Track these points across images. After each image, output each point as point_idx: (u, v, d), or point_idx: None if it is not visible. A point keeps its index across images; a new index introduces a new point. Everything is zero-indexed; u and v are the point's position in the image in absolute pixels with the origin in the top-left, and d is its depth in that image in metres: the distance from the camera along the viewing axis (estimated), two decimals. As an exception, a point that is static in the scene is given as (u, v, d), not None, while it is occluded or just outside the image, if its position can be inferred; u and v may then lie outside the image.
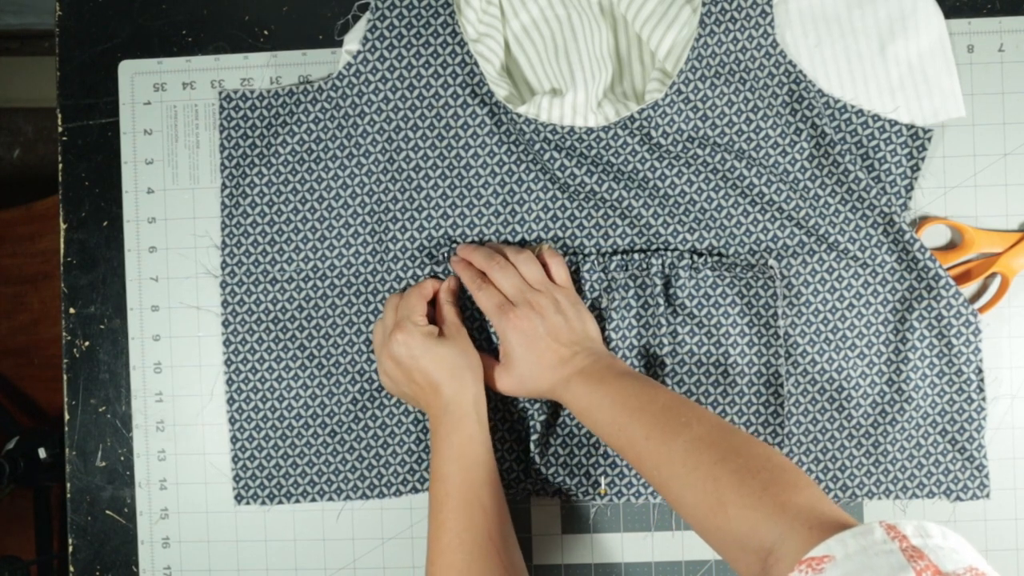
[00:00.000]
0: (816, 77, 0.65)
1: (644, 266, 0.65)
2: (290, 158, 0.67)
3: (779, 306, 0.64)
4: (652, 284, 0.64)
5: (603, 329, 0.64)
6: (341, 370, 0.67)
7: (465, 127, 0.66)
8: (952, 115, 0.65)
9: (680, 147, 0.64)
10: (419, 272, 0.66)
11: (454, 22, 0.64)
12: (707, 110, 0.64)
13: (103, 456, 0.69)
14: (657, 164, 0.65)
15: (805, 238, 0.65)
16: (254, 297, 0.67)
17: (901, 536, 0.39)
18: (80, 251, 0.70)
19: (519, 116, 0.64)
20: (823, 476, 0.65)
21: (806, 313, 0.65)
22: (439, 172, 0.66)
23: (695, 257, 0.65)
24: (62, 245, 0.70)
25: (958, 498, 0.65)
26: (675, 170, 0.65)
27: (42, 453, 1.13)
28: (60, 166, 0.70)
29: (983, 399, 0.64)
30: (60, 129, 0.70)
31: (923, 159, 0.64)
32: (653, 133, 0.64)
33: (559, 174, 0.65)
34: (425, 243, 0.67)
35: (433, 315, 0.64)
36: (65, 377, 0.70)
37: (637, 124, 0.64)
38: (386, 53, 0.65)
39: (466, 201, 0.66)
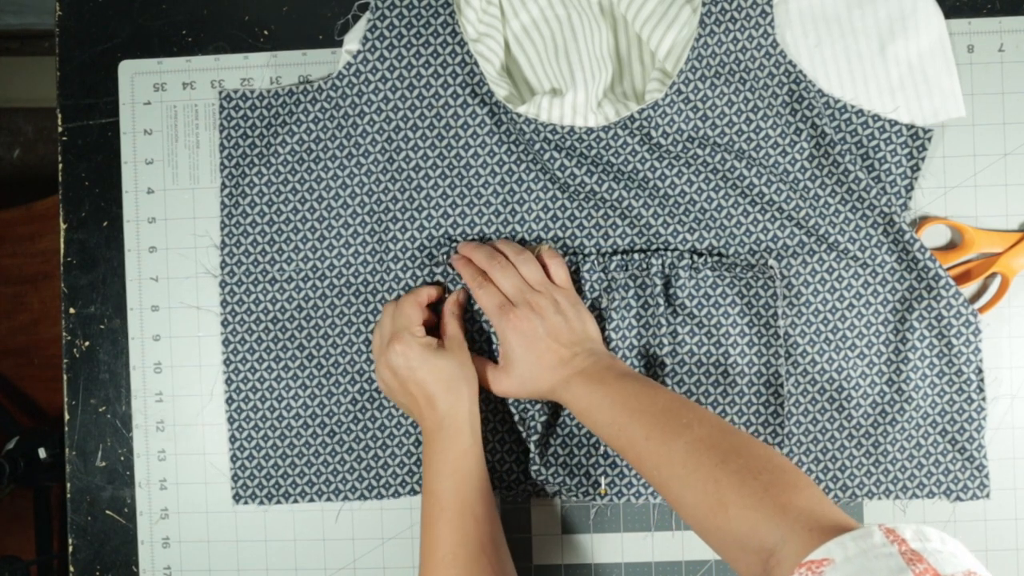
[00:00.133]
0: (816, 77, 0.65)
1: (644, 266, 0.65)
2: (290, 158, 0.67)
3: (779, 306, 0.64)
4: (652, 284, 0.64)
5: (603, 329, 0.64)
6: (340, 370, 0.67)
7: (465, 127, 0.66)
8: (952, 115, 0.65)
9: (680, 147, 0.64)
10: (419, 272, 0.66)
11: (454, 22, 0.64)
12: (707, 110, 0.64)
13: (103, 456, 0.69)
14: (657, 164, 0.65)
15: (805, 238, 0.65)
16: (253, 297, 0.67)
17: (900, 540, 0.40)
18: (80, 251, 0.70)
19: (519, 116, 0.64)
20: (823, 476, 0.65)
21: (806, 313, 0.65)
22: (439, 172, 0.66)
23: (695, 257, 0.65)
24: (62, 245, 0.70)
25: (958, 498, 0.65)
26: (675, 170, 0.65)
27: (42, 453, 1.13)
28: (60, 166, 0.70)
29: (983, 399, 0.64)
30: (60, 129, 0.70)
31: (923, 159, 0.64)
32: (653, 133, 0.64)
33: (559, 174, 0.65)
34: (425, 243, 0.67)
35: (430, 322, 0.64)
36: (65, 377, 0.70)
37: (637, 124, 0.64)
38: (386, 53, 0.65)
39: (466, 201, 0.66)
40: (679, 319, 0.65)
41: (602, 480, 0.65)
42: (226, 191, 0.67)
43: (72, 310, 0.70)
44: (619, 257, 0.65)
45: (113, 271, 0.69)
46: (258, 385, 0.67)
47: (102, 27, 0.70)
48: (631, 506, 0.67)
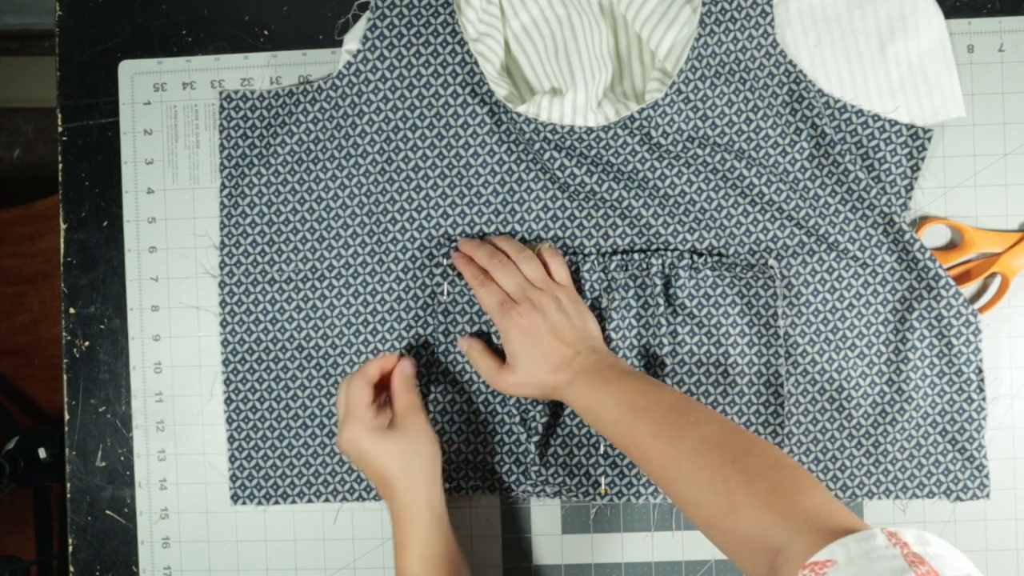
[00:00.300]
0: (816, 77, 0.65)
1: (644, 266, 0.65)
2: (289, 158, 0.67)
3: (779, 306, 0.64)
4: (652, 284, 0.64)
5: (603, 329, 0.64)
6: (339, 371, 0.67)
7: (465, 126, 0.66)
8: (952, 115, 0.65)
9: (680, 147, 0.64)
10: (419, 273, 0.66)
11: (454, 21, 0.64)
12: (707, 110, 0.64)
13: (103, 456, 0.69)
14: (657, 164, 0.65)
15: (805, 238, 0.65)
16: (252, 297, 0.67)
17: (902, 543, 0.40)
18: (80, 251, 0.70)
19: (519, 115, 0.64)
20: (823, 476, 0.65)
21: (806, 313, 0.65)
22: (439, 172, 0.66)
23: (695, 257, 0.65)
24: (62, 245, 0.70)
25: (958, 498, 0.65)
26: (675, 170, 0.65)
27: (42, 453, 1.13)
28: (60, 166, 0.70)
29: (983, 399, 0.64)
30: (60, 129, 0.70)
31: (923, 159, 0.64)
32: (653, 133, 0.64)
33: (559, 174, 0.65)
34: (425, 243, 0.66)
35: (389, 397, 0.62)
36: (65, 377, 0.70)
37: (637, 124, 0.64)
38: (386, 52, 0.65)
39: (466, 200, 0.66)
40: (679, 319, 0.65)
41: (602, 480, 0.65)
42: (226, 191, 0.67)
43: (72, 310, 0.70)
44: (619, 257, 0.65)
45: (113, 271, 0.69)
46: (257, 385, 0.67)
47: (102, 27, 0.70)
48: (631, 506, 0.67)
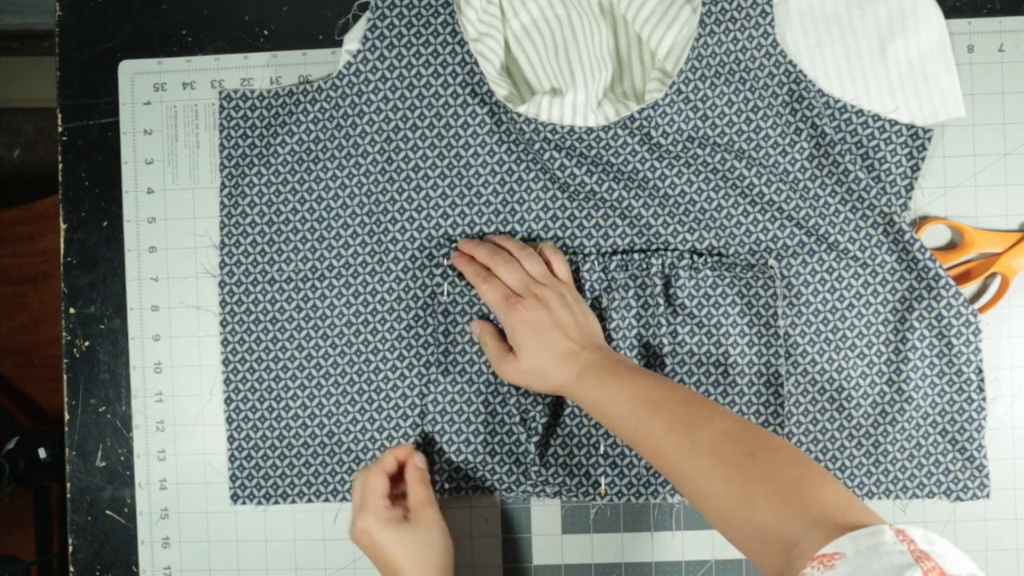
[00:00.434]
0: (816, 77, 0.65)
1: (644, 266, 0.65)
2: (289, 158, 0.67)
3: (779, 306, 0.64)
4: (652, 284, 0.64)
5: (603, 329, 0.64)
6: (339, 371, 0.67)
7: (465, 126, 0.66)
8: (952, 115, 0.65)
9: (680, 147, 0.64)
10: (419, 273, 0.66)
11: (454, 21, 0.64)
12: (707, 110, 0.64)
13: (103, 456, 0.69)
14: (657, 164, 0.65)
15: (805, 238, 0.65)
16: (252, 297, 0.67)
17: (909, 540, 0.41)
18: (80, 251, 0.70)
19: (519, 116, 0.64)
20: (823, 476, 0.65)
21: (806, 313, 0.65)
22: (439, 172, 0.66)
23: (695, 257, 0.65)
24: (62, 245, 0.70)
25: (958, 498, 0.65)
26: (675, 170, 0.65)
27: (42, 453, 1.13)
28: (60, 166, 0.70)
29: (983, 399, 0.64)
30: (60, 129, 0.70)
31: (923, 159, 0.64)
32: (653, 133, 0.64)
33: (559, 174, 0.65)
34: (425, 243, 0.67)
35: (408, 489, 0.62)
36: (65, 377, 0.70)
37: (637, 124, 0.64)
38: (386, 52, 0.65)
39: (466, 200, 0.66)
40: (679, 319, 0.65)
41: (602, 480, 0.65)
42: (226, 191, 0.67)
43: (72, 310, 0.70)
44: (619, 257, 0.65)
45: (113, 271, 0.69)
46: (257, 385, 0.67)
47: (102, 27, 0.70)
48: (631, 506, 0.67)
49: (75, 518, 0.69)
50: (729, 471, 0.50)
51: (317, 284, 0.67)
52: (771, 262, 0.65)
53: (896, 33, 0.64)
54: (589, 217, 0.66)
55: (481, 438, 0.66)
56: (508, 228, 0.66)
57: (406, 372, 0.67)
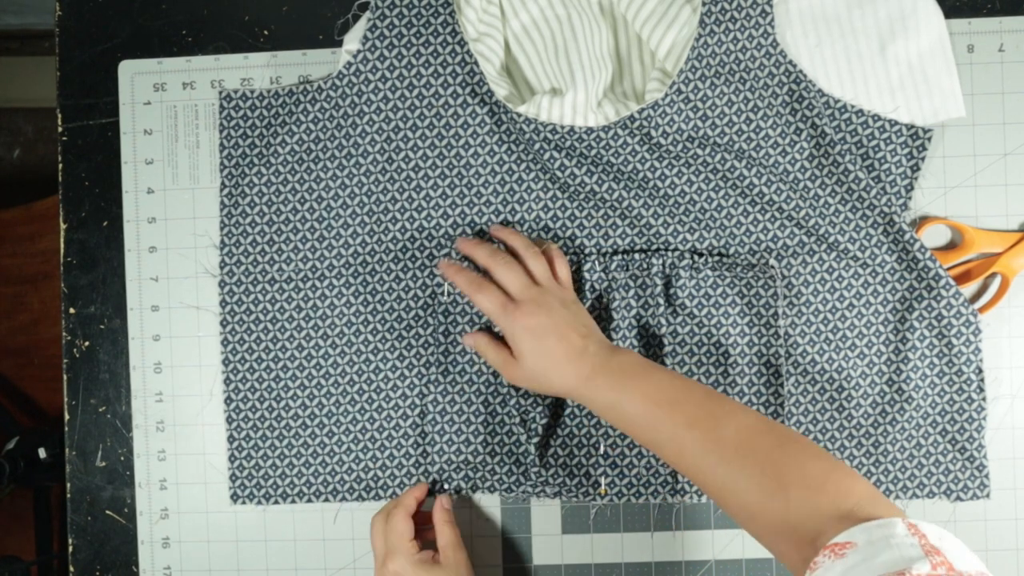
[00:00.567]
0: (816, 77, 0.65)
1: (644, 266, 0.65)
2: (289, 158, 0.67)
3: (779, 306, 0.64)
4: (652, 284, 0.64)
5: (603, 329, 0.64)
6: (339, 371, 0.67)
7: (465, 126, 0.66)
8: (952, 115, 0.65)
9: (680, 147, 0.64)
10: (419, 273, 0.66)
11: (454, 21, 0.64)
12: (707, 110, 0.64)
13: (103, 456, 0.69)
14: (657, 164, 0.65)
15: (805, 238, 0.65)
16: (252, 297, 0.67)
17: (921, 534, 0.41)
18: (80, 251, 0.70)
19: (519, 116, 0.64)
20: (823, 476, 0.65)
21: (806, 313, 0.65)
22: (439, 172, 0.66)
23: (695, 257, 0.65)
24: (62, 245, 0.70)
25: (958, 498, 0.65)
26: (675, 170, 0.65)
27: (42, 453, 1.13)
28: (60, 166, 0.70)
29: (983, 399, 0.64)
30: (60, 129, 0.70)
31: (923, 159, 0.64)
32: (653, 133, 0.64)
33: (559, 174, 0.65)
34: (425, 243, 0.67)
35: (424, 530, 0.63)
36: (65, 377, 0.70)
37: (637, 124, 0.64)
38: (386, 52, 0.65)
39: (466, 201, 0.66)
40: (679, 319, 0.65)
41: (602, 480, 0.65)
42: (226, 191, 0.67)
43: (72, 310, 0.70)
44: (619, 257, 0.65)
45: (113, 271, 0.69)
46: (257, 385, 0.67)
47: (102, 27, 0.70)
48: (631, 506, 0.67)
49: (75, 518, 0.69)
50: (761, 462, 0.50)
51: (317, 284, 0.67)
52: (771, 262, 0.65)
53: (896, 33, 0.64)
54: (589, 217, 0.66)
55: (481, 438, 0.66)
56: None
57: (406, 372, 0.67)
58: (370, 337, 0.67)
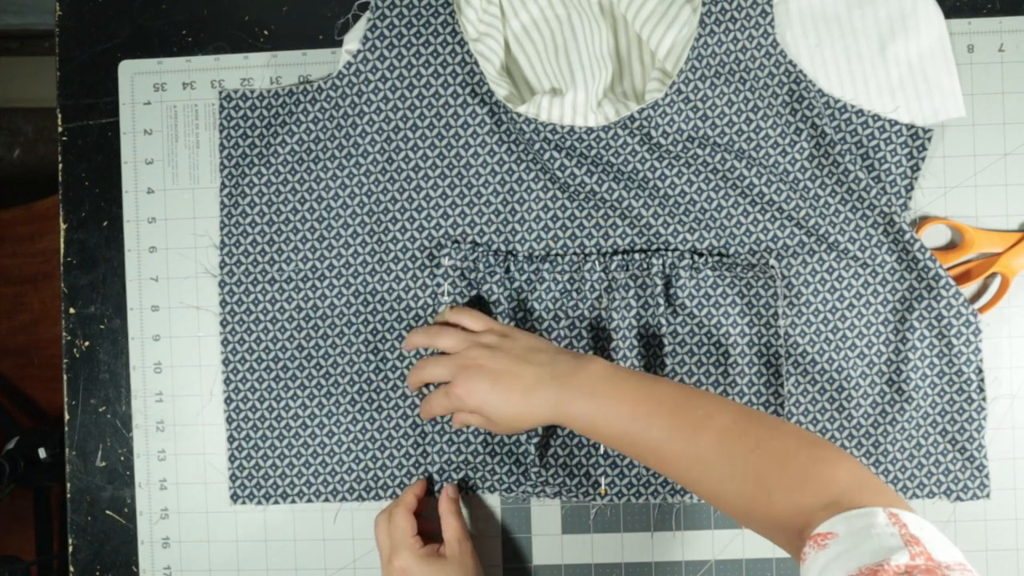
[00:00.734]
0: (816, 77, 0.65)
1: (644, 266, 0.65)
2: (289, 158, 0.67)
3: (779, 306, 0.64)
4: (652, 284, 0.64)
5: (603, 329, 0.64)
6: (339, 371, 0.67)
7: (465, 126, 0.66)
8: (952, 115, 0.65)
9: (680, 147, 0.64)
10: (419, 273, 0.66)
11: (454, 21, 0.64)
12: (707, 110, 0.64)
13: (103, 456, 0.69)
14: (657, 164, 0.65)
15: (805, 238, 0.65)
16: (252, 297, 0.67)
17: (902, 524, 0.41)
18: (80, 251, 0.70)
19: (519, 116, 0.64)
20: (823, 476, 0.65)
21: (806, 313, 0.65)
22: (439, 172, 0.66)
23: (695, 257, 0.65)
24: (62, 245, 0.70)
25: (958, 498, 0.65)
26: (675, 170, 0.65)
27: (42, 453, 1.13)
28: (60, 166, 0.70)
29: (983, 399, 0.64)
30: (60, 129, 0.70)
31: (923, 159, 0.64)
32: (653, 133, 0.64)
33: (559, 174, 0.65)
34: (425, 243, 0.67)
35: (429, 518, 0.63)
36: (65, 377, 0.70)
37: (637, 124, 0.64)
38: (386, 52, 0.65)
39: (466, 200, 0.66)
40: (679, 319, 0.65)
41: (602, 480, 0.65)
42: (226, 191, 0.67)
43: (72, 310, 0.70)
44: (619, 257, 0.65)
45: (113, 271, 0.69)
46: (257, 385, 0.67)
47: (102, 27, 0.70)
48: (631, 506, 0.67)
49: (75, 518, 0.69)
50: (741, 469, 0.49)
51: (317, 284, 0.67)
52: (771, 262, 0.65)
53: (896, 33, 0.64)
54: (589, 217, 0.66)
55: (481, 438, 0.66)
56: (508, 228, 0.66)
57: (406, 372, 0.67)
58: (370, 337, 0.67)
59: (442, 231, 0.66)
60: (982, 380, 0.64)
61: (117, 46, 0.70)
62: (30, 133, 1.60)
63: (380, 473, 0.67)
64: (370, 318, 0.67)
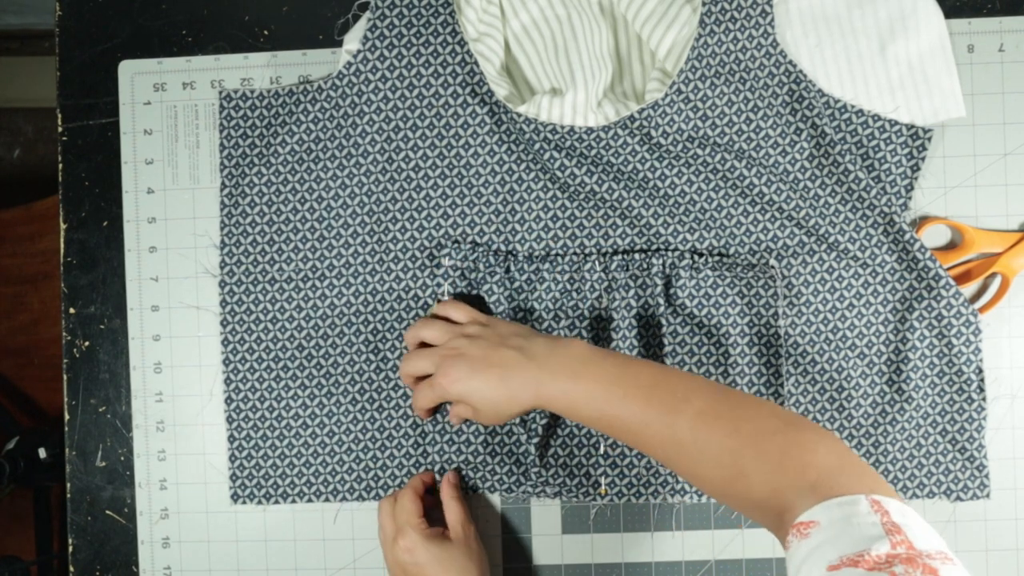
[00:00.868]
0: (816, 77, 0.65)
1: (645, 266, 0.65)
2: (290, 158, 0.67)
3: (779, 306, 0.64)
4: (652, 284, 0.64)
5: (603, 329, 0.64)
6: (339, 371, 0.67)
7: (465, 126, 0.66)
8: (952, 115, 0.65)
9: (680, 147, 0.64)
10: (419, 273, 0.66)
11: (454, 21, 0.64)
12: (707, 110, 0.64)
13: (103, 456, 0.69)
14: (657, 164, 0.65)
15: (805, 238, 0.65)
16: (253, 297, 0.67)
17: (884, 511, 0.41)
18: (80, 251, 0.70)
19: (519, 116, 0.64)
20: (823, 476, 0.65)
21: (806, 313, 0.65)
22: (439, 172, 0.66)
23: (695, 257, 0.65)
24: (62, 245, 0.70)
25: (958, 498, 0.65)
26: (675, 170, 0.65)
27: (42, 453, 1.13)
28: (60, 166, 0.70)
29: (983, 399, 0.64)
30: (60, 129, 0.70)
31: (923, 159, 0.64)
32: (653, 133, 0.64)
33: (559, 174, 0.65)
34: (425, 243, 0.67)
35: (431, 511, 0.63)
36: (65, 377, 0.70)
37: (637, 124, 0.64)
38: (386, 52, 0.65)
39: (466, 201, 0.66)
40: (679, 319, 0.65)
41: (602, 480, 0.65)
42: (226, 191, 0.67)
43: (72, 310, 0.70)
44: (620, 257, 0.65)
45: (113, 271, 0.69)
46: (257, 385, 0.67)
47: (102, 27, 0.70)
48: (631, 506, 0.67)
49: (75, 518, 0.69)
50: (717, 452, 0.49)
51: (317, 284, 0.67)
52: (771, 262, 0.65)
53: (896, 33, 0.64)
54: (589, 217, 0.66)
55: (481, 438, 0.66)
56: (508, 228, 0.66)
57: (406, 372, 0.67)
58: (370, 337, 0.67)
59: (442, 231, 0.66)
60: (982, 380, 0.64)
61: (117, 46, 0.70)
62: (30, 133, 1.60)
63: (380, 473, 0.67)
64: (370, 318, 0.67)
